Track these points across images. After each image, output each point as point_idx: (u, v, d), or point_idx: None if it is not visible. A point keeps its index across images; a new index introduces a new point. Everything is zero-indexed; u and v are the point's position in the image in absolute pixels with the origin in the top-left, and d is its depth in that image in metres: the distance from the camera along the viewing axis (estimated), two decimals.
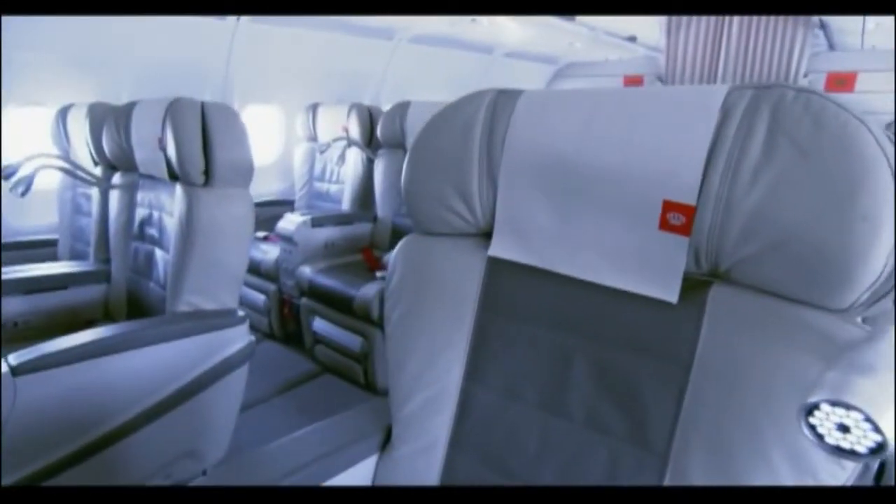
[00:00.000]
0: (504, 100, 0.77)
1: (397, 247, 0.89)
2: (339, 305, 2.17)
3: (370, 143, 2.81)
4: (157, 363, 1.31)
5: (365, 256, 2.52)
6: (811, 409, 0.45)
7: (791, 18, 3.82)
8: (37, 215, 2.30)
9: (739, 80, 4.06)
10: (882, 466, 0.71)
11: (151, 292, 1.61)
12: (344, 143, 2.80)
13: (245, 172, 1.48)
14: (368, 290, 2.06)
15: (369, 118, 2.80)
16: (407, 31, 3.27)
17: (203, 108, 1.42)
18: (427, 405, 0.83)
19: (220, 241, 1.46)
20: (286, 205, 3.13)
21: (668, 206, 0.62)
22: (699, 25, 4.18)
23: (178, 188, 1.47)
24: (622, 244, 0.67)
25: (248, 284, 2.57)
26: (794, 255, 0.55)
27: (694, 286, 0.64)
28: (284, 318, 2.56)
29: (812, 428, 0.45)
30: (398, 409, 0.86)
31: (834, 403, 0.43)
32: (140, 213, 1.71)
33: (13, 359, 1.11)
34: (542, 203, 0.72)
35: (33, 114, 2.26)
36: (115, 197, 1.82)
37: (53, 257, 2.20)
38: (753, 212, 0.57)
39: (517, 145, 0.73)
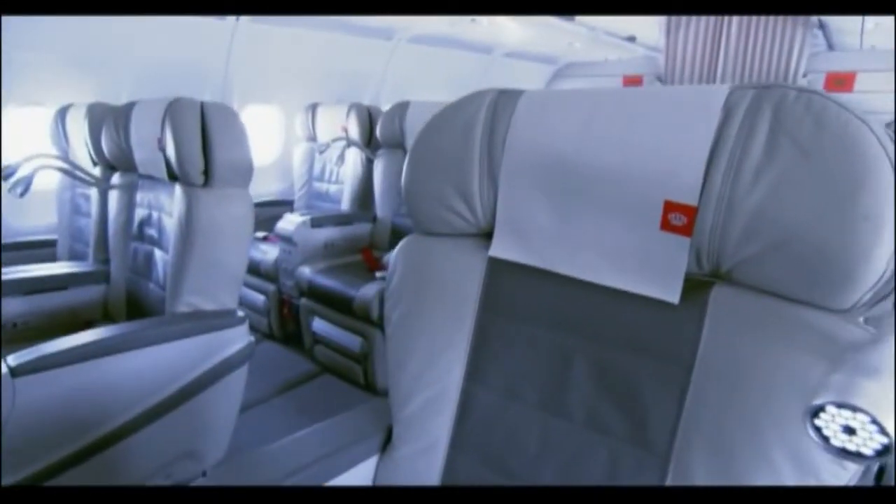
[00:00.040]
0: (505, 100, 0.77)
1: (398, 247, 0.89)
2: (338, 306, 2.17)
3: (369, 143, 2.81)
4: (156, 364, 1.31)
5: (364, 257, 2.52)
6: (817, 411, 0.45)
7: (790, 18, 3.83)
8: (36, 216, 2.30)
9: (738, 80, 4.07)
10: (882, 467, 0.71)
11: (151, 293, 1.61)
12: (343, 143, 2.80)
13: (244, 173, 1.48)
14: (368, 291, 2.06)
15: (368, 118, 2.80)
16: (406, 31, 3.27)
17: (203, 108, 1.42)
18: (427, 406, 0.82)
19: (220, 241, 1.45)
20: (285, 205, 3.13)
21: (670, 207, 0.62)
22: (698, 25, 4.19)
23: (178, 188, 1.47)
24: (623, 244, 0.66)
25: (247, 285, 2.57)
26: (796, 256, 0.55)
27: (695, 287, 0.63)
28: (284, 318, 2.56)
29: (818, 430, 0.45)
30: (398, 410, 0.85)
31: (840, 405, 0.43)
32: (139, 213, 1.71)
33: (12, 360, 1.11)
34: (542, 203, 0.72)
35: (32, 114, 2.26)
36: (114, 197, 1.82)
37: (52, 258, 2.20)
38: (755, 212, 0.57)
39: (518, 145, 0.73)
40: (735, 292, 0.61)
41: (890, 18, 2.88)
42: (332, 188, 3.00)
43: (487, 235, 0.80)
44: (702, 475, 0.60)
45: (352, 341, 2.14)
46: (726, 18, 4.07)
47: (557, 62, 4.84)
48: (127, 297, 1.75)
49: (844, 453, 0.44)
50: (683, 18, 4.21)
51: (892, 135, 0.54)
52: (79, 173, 1.91)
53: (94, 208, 1.99)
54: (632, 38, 4.02)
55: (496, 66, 4.21)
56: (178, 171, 1.45)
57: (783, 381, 0.55)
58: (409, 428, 0.84)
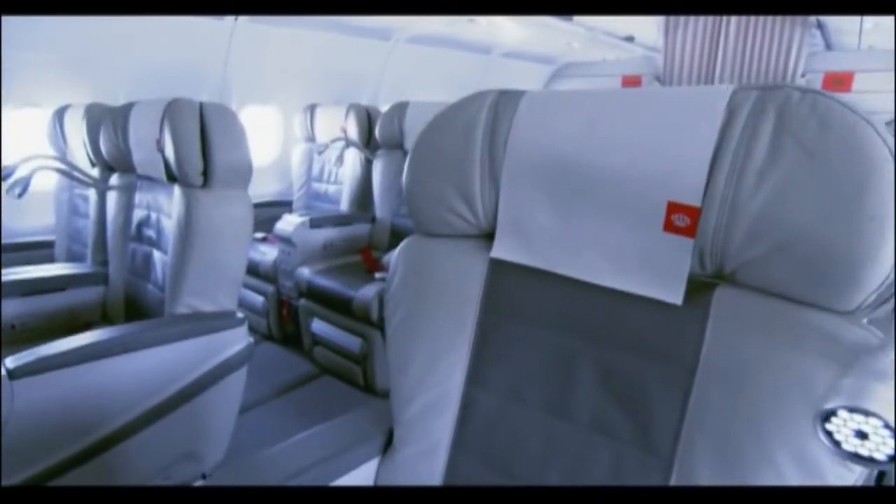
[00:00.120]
0: (506, 100, 0.76)
1: (398, 248, 0.88)
2: (337, 307, 2.16)
3: (368, 143, 2.80)
4: (155, 365, 1.30)
5: (363, 257, 2.51)
6: (828, 415, 0.45)
7: (788, 18, 3.84)
8: (33, 217, 2.29)
9: (737, 80, 4.08)
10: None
11: (150, 294, 1.61)
12: (342, 143, 2.80)
13: (244, 173, 1.47)
14: (367, 291, 2.05)
15: (367, 119, 2.80)
16: (405, 31, 3.26)
17: (201, 108, 1.41)
18: (429, 408, 0.82)
19: (219, 242, 1.45)
20: (284, 206, 3.12)
21: (673, 208, 0.61)
22: (697, 25, 4.20)
23: (177, 189, 1.46)
24: (626, 246, 0.66)
25: (246, 286, 2.56)
26: (801, 257, 0.55)
27: (698, 288, 0.63)
28: (283, 319, 2.56)
29: (829, 434, 0.45)
30: (400, 412, 0.85)
31: (852, 409, 0.43)
32: (138, 214, 1.71)
33: (10, 362, 1.10)
34: (545, 204, 0.72)
35: (30, 115, 2.25)
36: (112, 198, 1.81)
37: (50, 259, 2.19)
38: (759, 213, 0.56)
39: (520, 146, 0.73)
40: (738, 293, 0.61)
41: (889, 18, 2.89)
42: (331, 189, 3.00)
43: (489, 236, 0.80)
44: (705, 477, 0.60)
45: (351, 342, 2.13)
46: (725, 18, 4.08)
47: (556, 62, 4.84)
48: (126, 299, 1.75)
49: (856, 458, 0.44)
50: (682, 18, 4.21)
51: (894, 134, 0.53)
52: (77, 174, 1.90)
53: (92, 209, 1.98)
54: (630, 38, 4.02)
55: (494, 67, 4.21)
56: (176, 172, 1.44)
57: (789, 384, 0.55)
58: (411, 430, 0.84)
